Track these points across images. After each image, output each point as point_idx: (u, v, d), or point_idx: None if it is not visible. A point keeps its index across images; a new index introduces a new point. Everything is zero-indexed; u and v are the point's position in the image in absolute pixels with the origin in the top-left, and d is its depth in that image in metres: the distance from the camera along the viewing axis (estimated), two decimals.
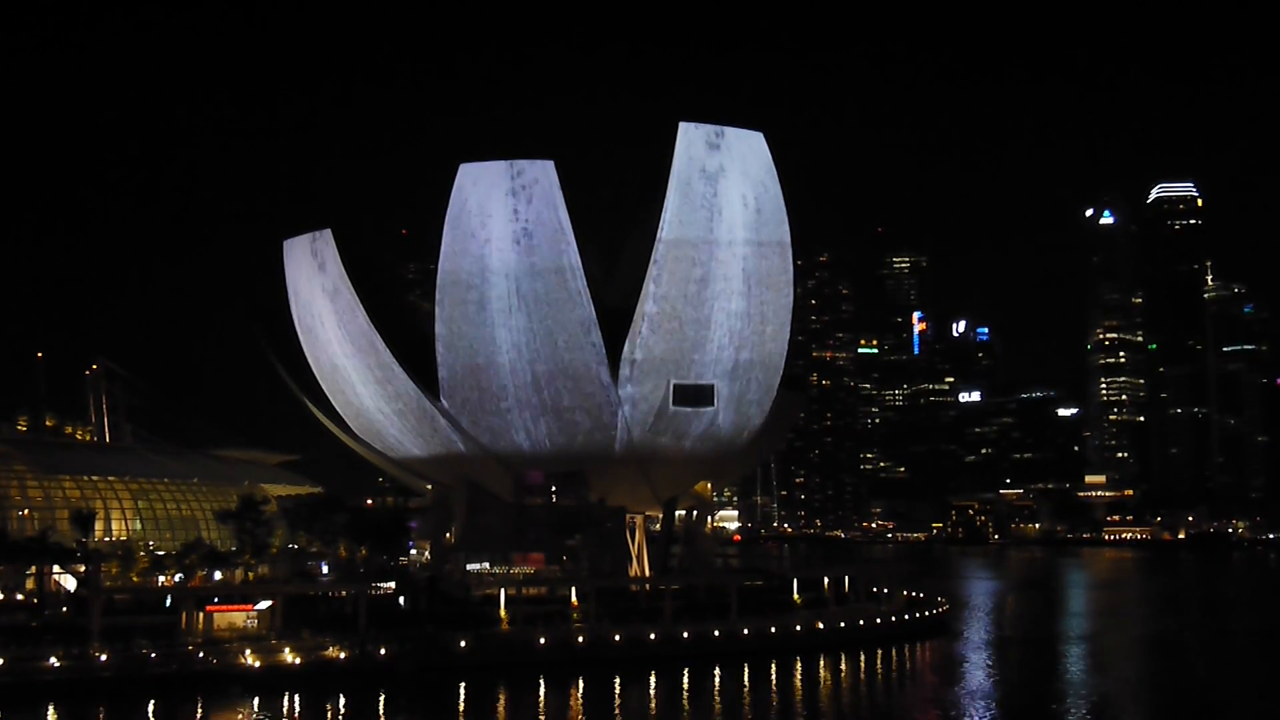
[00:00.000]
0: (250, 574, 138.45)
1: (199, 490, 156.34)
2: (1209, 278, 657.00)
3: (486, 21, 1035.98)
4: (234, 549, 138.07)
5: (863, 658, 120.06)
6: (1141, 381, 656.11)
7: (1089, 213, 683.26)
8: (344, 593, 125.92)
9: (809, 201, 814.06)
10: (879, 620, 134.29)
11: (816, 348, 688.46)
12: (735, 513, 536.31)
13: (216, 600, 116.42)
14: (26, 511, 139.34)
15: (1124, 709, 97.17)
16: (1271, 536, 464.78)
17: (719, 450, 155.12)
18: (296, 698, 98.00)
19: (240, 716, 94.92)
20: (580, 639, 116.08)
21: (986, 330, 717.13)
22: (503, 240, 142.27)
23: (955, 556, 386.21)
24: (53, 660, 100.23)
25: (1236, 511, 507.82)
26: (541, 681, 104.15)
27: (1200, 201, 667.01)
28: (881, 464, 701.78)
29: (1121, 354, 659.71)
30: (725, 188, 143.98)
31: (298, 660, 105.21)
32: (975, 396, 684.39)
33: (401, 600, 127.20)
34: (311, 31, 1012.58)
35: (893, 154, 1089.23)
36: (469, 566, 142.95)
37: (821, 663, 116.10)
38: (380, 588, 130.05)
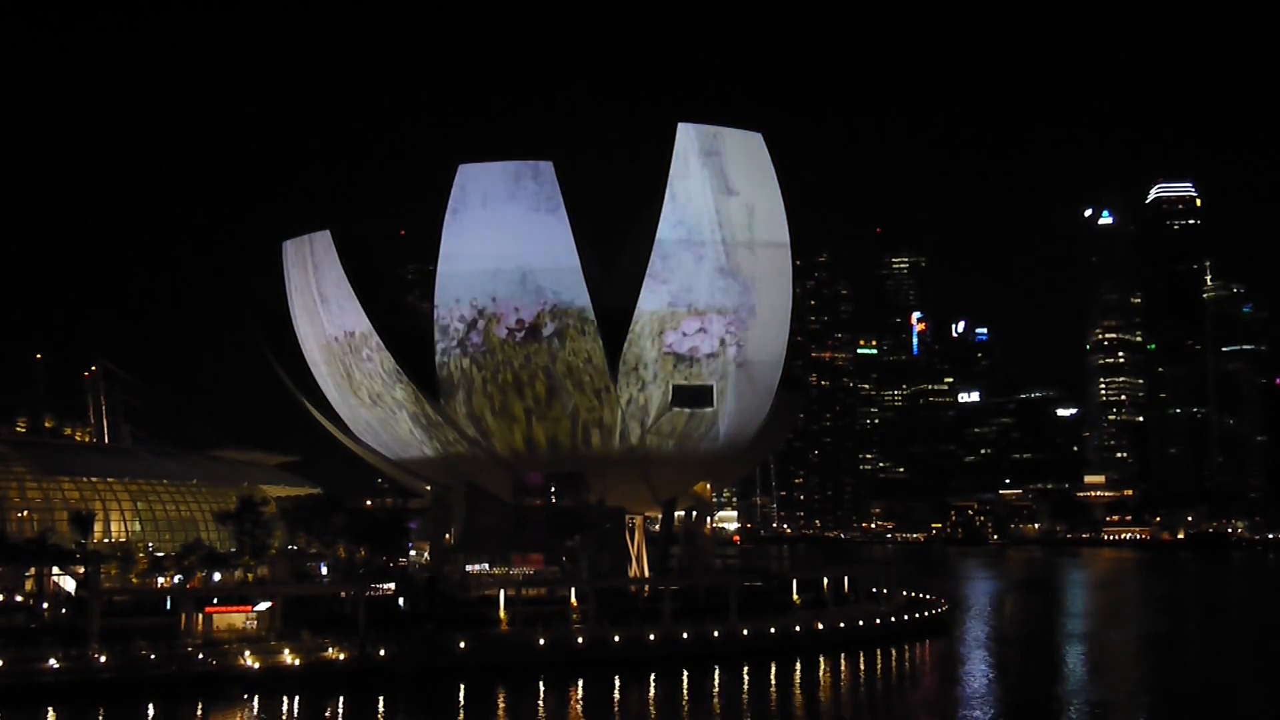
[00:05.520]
0: (249, 575, 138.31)
1: (198, 491, 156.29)
2: (1208, 278, 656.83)
3: (486, 22, 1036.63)
4: (233, 550, 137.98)
5: (862, 658, 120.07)
6: (1141, 381, 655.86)
7: (1088, 213, 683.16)
8: (343, 594, 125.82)
9: (809, 201, 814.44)
10: (878, 621, 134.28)
11: (816, 348, 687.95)
12: (734, 513, 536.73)
13: (216, 601, 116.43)
14: (26, 513, 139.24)
15: (1124, 709, 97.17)
16: (1271, 536, 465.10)
17: (718, 451, 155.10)
18: (296, 699, 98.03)
19: (240, 718, 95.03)
20: (580, 640, 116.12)
21: (986, 330, 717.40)
22: (502, 241, 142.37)
23: (954, 557, 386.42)
24: (52, 662, 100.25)
25: (1236, 511, 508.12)
26: (541, 682, 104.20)
27: (1199, 201, 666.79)
28: (881, 464, 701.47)
29: (1121, 354, 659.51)
30: (721, 188, 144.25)
31: (297, 661, 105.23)
32: (974, 397, 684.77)
33: (401, 601, 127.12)
34: (310, 32, 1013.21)
35: (893, 154, 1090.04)
36: (468, 567, 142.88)
37: (821, 663, 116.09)
38: (380, 589, 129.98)
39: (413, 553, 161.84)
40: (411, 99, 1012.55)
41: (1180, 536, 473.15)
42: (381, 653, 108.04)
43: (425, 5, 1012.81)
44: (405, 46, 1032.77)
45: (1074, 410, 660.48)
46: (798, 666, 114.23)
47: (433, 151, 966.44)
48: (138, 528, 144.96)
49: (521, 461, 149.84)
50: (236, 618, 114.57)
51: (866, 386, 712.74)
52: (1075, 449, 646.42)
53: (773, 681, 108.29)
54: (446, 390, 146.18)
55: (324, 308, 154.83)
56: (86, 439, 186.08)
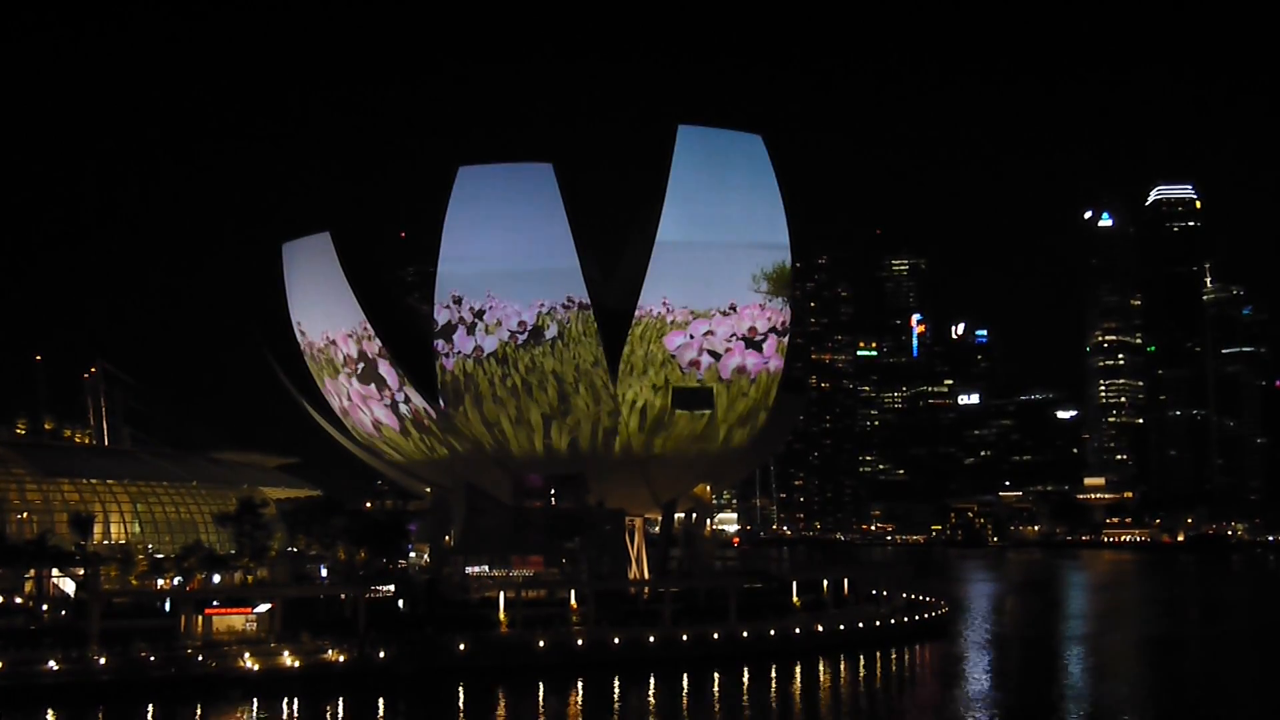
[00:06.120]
0: (249, 577, 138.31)
1: (198, 493, 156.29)
2: (1208, 279, 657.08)
3: (487, 24, 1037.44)
4: (233, 552, 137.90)
5: (862, 660, 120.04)
6: (1140, 383, 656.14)
7: (1088, 215, 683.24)
8: (343, 596, 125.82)
9: (809, 203, 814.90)
10: (878, 623, 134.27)
11: (815, 350, 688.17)
12: (734, 515, 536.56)
13: (215, 603, 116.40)
14: (25, 515, 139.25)
15: (1124, 711, 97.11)
16: (1271, 538, 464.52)
17: (718, 454, 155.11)
18: (296, 701, 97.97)
19: None
20: (579, 641, 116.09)
21: (985, 332, 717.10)
22: (501, 243, 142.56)
23: (954, 559, 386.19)
24: (52, 664, 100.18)
25: (1235, 513, 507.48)
26: (541, 684, 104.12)
27: (1199, 203, 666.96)
28: (881, 466, 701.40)
29: (1120, 356, 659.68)
30: (721, 190, 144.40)
31: (297, 663, 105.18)
32: (974, 399, 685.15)
33: (401, 603, 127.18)
34: (311, 35, 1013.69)
35: (893, 155, 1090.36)
36: (468, 569, 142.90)
37: (821, 665, 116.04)
38: (379, 591, 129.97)
39: (412, 555, 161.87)
40: (413, 102, 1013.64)
41: (1180, 538, 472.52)
42: (381, 654, 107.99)
43: (426, 8, 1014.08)
44: (406, 50, 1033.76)
45: (1074, 412, 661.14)
46: (797, 669, 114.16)
47: (433, 154, 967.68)
48: (137, 530, 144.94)
49: (532, 465, 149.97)
50: (236, 619, 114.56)
51: (866, 388, 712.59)
52: (1075, 451, 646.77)
53: (772, 684, 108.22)
54: (450, 393, 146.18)
55: (324, 310, 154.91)
56: (86, 441, 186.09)
